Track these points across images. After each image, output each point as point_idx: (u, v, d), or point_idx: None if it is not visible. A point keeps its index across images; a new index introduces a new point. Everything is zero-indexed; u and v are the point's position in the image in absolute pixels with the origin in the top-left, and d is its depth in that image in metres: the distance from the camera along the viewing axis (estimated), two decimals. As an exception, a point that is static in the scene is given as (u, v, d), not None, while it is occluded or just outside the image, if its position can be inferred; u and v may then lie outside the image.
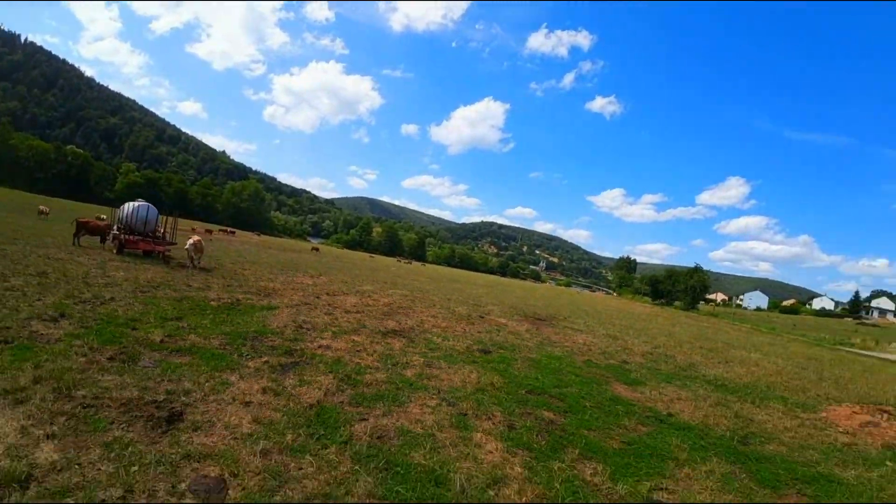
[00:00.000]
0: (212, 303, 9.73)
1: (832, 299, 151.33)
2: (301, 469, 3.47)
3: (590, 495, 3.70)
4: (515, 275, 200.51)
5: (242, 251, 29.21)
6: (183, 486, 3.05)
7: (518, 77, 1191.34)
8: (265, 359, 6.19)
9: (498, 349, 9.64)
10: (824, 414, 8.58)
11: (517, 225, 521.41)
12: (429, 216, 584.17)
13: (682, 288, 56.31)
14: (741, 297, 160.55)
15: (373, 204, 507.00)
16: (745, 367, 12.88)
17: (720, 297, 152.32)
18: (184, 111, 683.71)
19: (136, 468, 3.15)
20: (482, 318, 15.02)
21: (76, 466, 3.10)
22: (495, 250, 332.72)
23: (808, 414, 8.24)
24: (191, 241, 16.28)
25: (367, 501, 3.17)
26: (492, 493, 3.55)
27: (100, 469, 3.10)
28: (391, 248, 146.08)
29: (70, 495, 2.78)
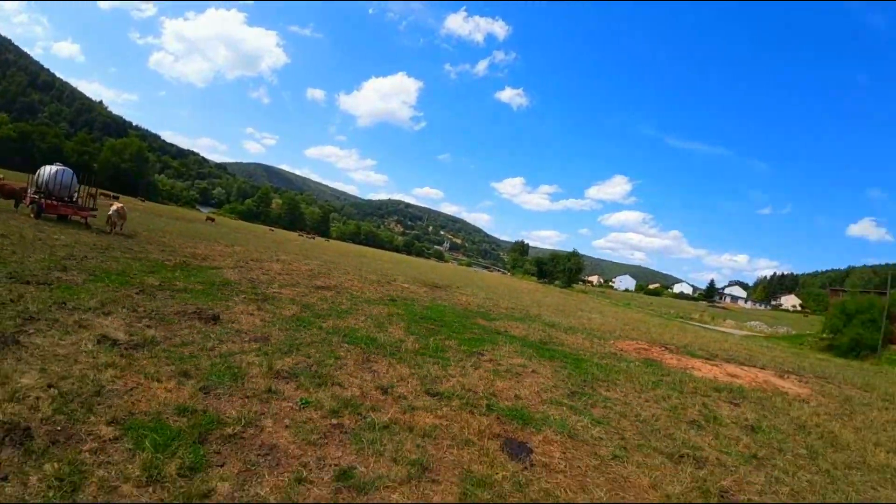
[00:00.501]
0: (166, 262, 11.81)
1: (691, 285, 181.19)
2: (302, 335, 6.65)
3: (446, 348, 7.43)
4: (420, 253, 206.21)
5: (139, 220, 28.88)
6: (247, 338, 6.07)
7: (433, 56, 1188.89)
8: (242, 297, 8.96)
9: (402, 300, 13.17)
10: (612, 341, 13.39)
11: (424, 205, 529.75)
12: (333, 190, 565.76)
13: (562, 269, 65.75)
14: (613, 280, 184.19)
15: (270, 172, 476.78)
16: (579, 320, 18.01)
17: (597, 279, 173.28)
18: (59, 53, 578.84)
19: (213, 335, 6.04)
20: (390, 283, 18.43)
21: (176, 337, 5.88)
22: (401, 229, 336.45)
23: (600, 340, 12.94)
24: (114, 207, 17.19)
25: (342, 343, 6.52)
26: (399, 346, 7.06)
27: (193, 337, 5.93)
28: (292, 221, 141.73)
29: (185, 349, 5.59)
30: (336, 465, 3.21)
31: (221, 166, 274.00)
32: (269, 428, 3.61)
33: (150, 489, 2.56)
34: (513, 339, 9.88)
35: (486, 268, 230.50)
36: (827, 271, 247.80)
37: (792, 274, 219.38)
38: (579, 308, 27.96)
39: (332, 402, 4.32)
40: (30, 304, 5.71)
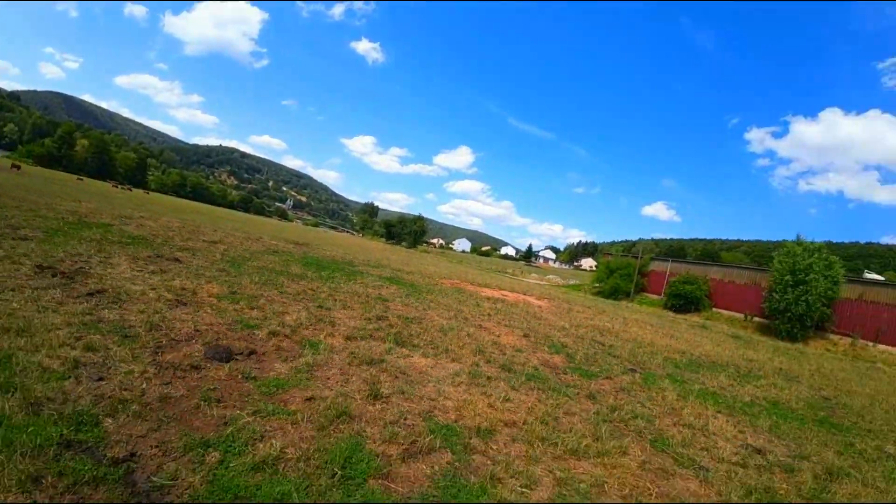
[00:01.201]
0: (69, 218, 13.22)
1: (515, 248, 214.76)
2: (246, 268, 10.32)
3: (334, 277, 11.88)
4: (261, 211, 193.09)
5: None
6: (214, 269, 9.56)
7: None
8: (180, 248, 11.76)
9: (280, 252, 16.75)
10: (438, 280, 19.26)
11: (264, 156, 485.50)
12: (149, 129, 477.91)
13: (409, 231, 72.85)
14: (453, 242, 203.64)
15: (70, 103, 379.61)
16: (418, 268, 23.67)
17: (439, 241, 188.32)
18: None
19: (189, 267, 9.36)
20: (258, 240, 21.27)
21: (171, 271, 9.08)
22: (235, 182, 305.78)
23: (430, 278, 18.58)
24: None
25: (269, 273, 10.43)
26: (305, 275, 11.23)
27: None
28: (101, 168, 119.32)
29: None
30: (299, 311, 7.57)
31: (14, 96, 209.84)
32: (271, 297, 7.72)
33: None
34: (372, 275, 14.68)
35: (333, 228, 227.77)
36: (621, 241, 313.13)
37: (593, 242, 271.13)
38: (420, 262, 34.13)
39: (296, 289, 8.53)
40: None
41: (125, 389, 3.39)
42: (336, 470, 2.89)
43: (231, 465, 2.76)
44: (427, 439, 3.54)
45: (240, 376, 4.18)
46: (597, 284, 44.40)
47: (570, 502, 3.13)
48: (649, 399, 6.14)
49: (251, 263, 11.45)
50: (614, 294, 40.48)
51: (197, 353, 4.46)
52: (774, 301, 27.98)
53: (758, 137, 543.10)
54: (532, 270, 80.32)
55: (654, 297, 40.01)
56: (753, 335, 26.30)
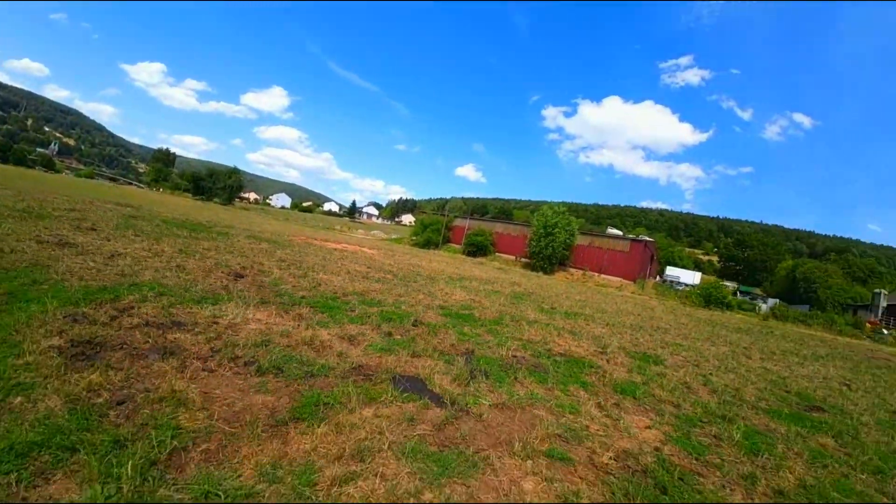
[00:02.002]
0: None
1: (338, 204, 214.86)
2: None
3: (176, 234, 15.00)
4: (22, 161, 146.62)
5: None
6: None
7: None
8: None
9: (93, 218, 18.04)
10: (288, 236, 22.76)
11: (21, 86, 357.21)
12: None
13: (222, 186, 68.13)
14: (270, 197, 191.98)
15: None
16: (261, 227, 26.31)
17: (253, 196, 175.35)
18: None
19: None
20: (92, 202, 21.03)
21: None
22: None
23: (281, 236, 22.00)
24: None
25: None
26: (161, 222, 14.13)
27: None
28: None
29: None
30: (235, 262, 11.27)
31: None
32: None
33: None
34: (239, 237, 17.70)
35: (113, 180, 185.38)
36: (437, 198, 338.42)
37: (413, 199, 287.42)
38: (249, 220, 35.68)
39: (189, 229, 11.86)
40: None
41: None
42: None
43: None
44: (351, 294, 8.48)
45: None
46: (413, 237, 52.13)
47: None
48: (432, 285, 12.08)
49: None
50: (427, 245, 48.72)
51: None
52: (533, 247, 39.51)
53: (552, 115, 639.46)
54: (358, 226, 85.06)
55: (457, 246, 49.64)
56: (517, 268, 37.06)
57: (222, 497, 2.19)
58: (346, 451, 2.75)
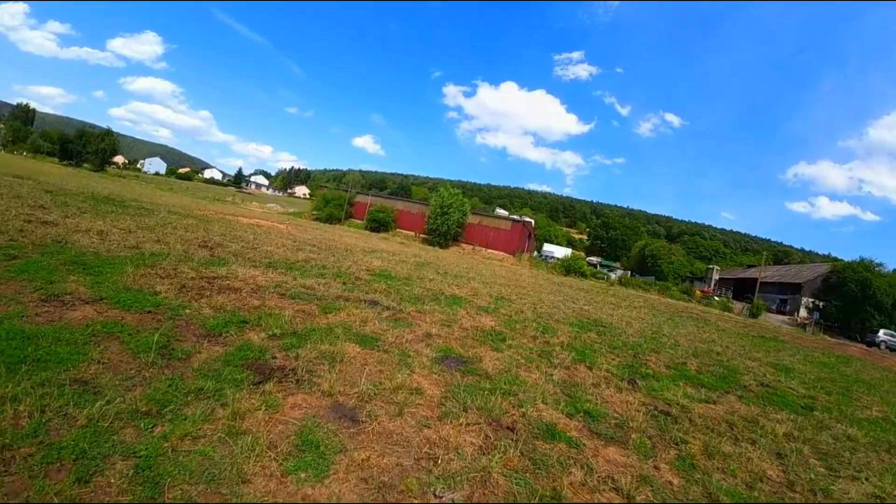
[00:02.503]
0: None
1: (221, 171, 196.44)
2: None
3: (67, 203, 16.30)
4: None
5: None
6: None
7: None
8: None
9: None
10: (200, 211, 23.63)
11: None
12: None
13: (94, 150, 60.46)
14: (142, 161, 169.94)
15: None
16: (162, 200, 26.38)
17: (121, 159, 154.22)
18: None
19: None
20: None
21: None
22: None
23: (191, 210, 22.88)
24: None
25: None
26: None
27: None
28: None
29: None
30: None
31: None
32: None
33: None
34: (158, 213, 18.73)
35: None
36: (333, 170, 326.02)
37: (306, 169, 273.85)
38: (137, 191, 34.37)
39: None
40: None
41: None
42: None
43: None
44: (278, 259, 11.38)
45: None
46: (315, 212, 53.21)
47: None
48: (353, 256, 15.25)
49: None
50: (329, 220, 50.34)
51: None
52: (430, 224, 43.82)
53: (452, 93, 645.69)
54: (252, 198, 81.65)
55: (359, 222, 52.03)
56: (417, 243, 41.13)
57: (318, 329, 5.55)
58: (356, 321, 6.22)
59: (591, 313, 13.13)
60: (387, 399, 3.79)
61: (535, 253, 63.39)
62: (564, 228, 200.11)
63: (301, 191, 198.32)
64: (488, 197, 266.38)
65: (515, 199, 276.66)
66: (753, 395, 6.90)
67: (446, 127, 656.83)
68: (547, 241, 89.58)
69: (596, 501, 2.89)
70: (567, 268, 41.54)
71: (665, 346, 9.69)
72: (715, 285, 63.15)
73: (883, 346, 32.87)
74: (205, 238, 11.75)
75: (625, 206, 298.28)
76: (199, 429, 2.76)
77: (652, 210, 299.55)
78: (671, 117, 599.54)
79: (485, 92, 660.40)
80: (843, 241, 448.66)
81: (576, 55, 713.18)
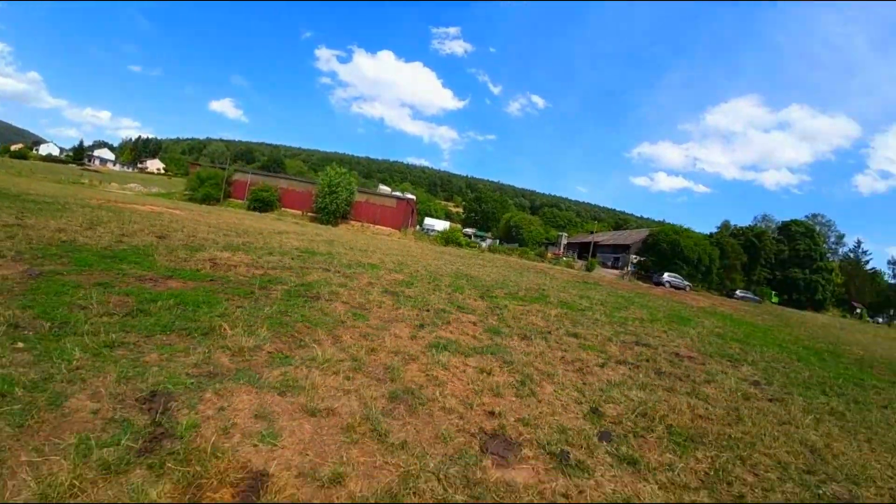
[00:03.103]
0: None
1: (58, 146, 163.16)
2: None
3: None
4: None
5: None
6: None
7: None
8: None
9: None
10: (88, 200, 23.25)
11: None
12: None
13: None
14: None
15: None
16: (28, 189, 24.89)
17: None
18: None
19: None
20: None
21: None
22: None
23: (77, 199, 22.56)
24: None
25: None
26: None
27: None
28: None
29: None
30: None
31: None
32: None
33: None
34: (65, 206, 18.88)
35: None
36: (188, 139, 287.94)
37: (156, 138, 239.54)
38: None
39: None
40: None
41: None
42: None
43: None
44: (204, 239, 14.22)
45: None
46: (190, 192, 50.88)
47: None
48: (271, 238, 18.14)
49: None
50: (207, 200, 48.86)
51: None
52: (319, 203, 45.95)
53: (325, 56, 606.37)
54: (101, 177, 72.17)
55: (239, 201, 51.39)
56: (308, 222, 43.16)
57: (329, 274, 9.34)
58: (327, 277, 10.09)
59: (464, 271, 18.32)
60: (373, 305, 7.99)
61: (418, 227, 68.78)
62: (443, 202, 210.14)
63: (154, 165, 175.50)
64: (367, 171, 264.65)
65: (395, 173, 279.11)
66: (551, 304, 12.49)
67: (319, 93, 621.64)
68: (427, 216, 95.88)
69: (456, 331, 7.55)
70: (446, 239, 47.58)
71: (508, 286, 15.16)
72: (564, 249, 75.72)
73: (668, 286, 45.30)
74: (157, 231, 13.95)
75: (496, 180, 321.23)
76: (307, 312, 6.69)
77: (519, 185, 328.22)
78: (537, 99, 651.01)
79: (361, 59, 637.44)
80: (677, 210, 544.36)
81: (452, 30, 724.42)
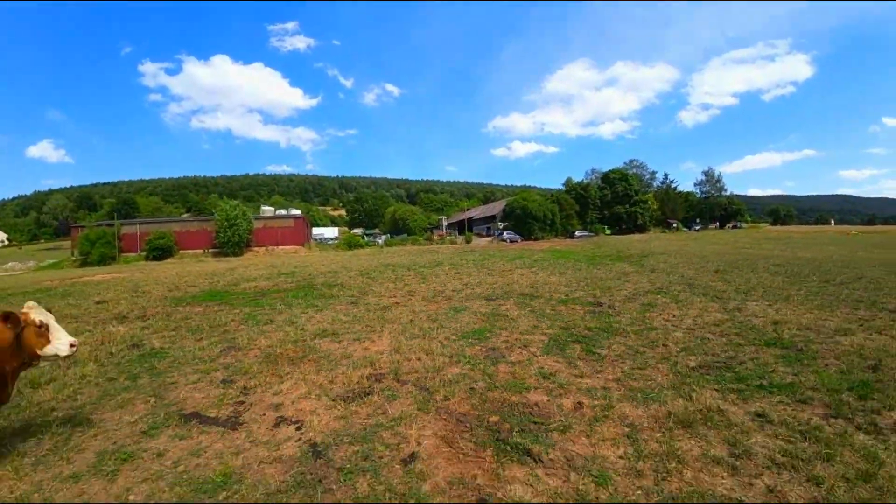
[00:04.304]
0: None
1: None
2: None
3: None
4: None
5: None
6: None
7: None
8: None
9: None
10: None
11: None
12: None
13: None
14: None
15: None
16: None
17: None
18: None
19: None
20: None
21: None
22: None
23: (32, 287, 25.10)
24: None
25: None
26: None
27: None
28: None
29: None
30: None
31: None
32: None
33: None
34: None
35: None
36: (14, 198, 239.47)
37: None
38: None
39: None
40: None
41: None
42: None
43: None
44: None
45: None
46: (80, 256, 49.56)
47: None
48: (210, 279, 23.95)
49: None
50: (102, 261, 48.48)
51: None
52: (221, 237, 49.21)
53: (151, 71, 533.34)
54: (22, 256, 62.89)
55: (133, 254, 51.65)
56: (212, 259, 46.50)
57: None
58: (328, 284, 17.40)
59: (383, 261, 26.32)
60: (378, 289, 15.74)
61: (312, 239, 73.58)
62: (320, 208, 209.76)
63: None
64: (227, 190, 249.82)
65: (261, 187, 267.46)
66: (445, 266, 21.20)
67: (149, 112, 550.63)
68: (313, 226, 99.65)
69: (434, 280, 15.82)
70: (349, 244, 54.27)
71: (423, 263, 23.57)
72: (445, 229, 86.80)
73: (508, 241, 58.42)
74: (173, 283, 19.46)
75: (368, 175, 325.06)
76: (355, 300, 14.26)
77: (392, 175, 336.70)
78: (391, 87, 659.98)
79: (193, 68, 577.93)
80: (535, 173, 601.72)
81: (290, 26, 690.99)
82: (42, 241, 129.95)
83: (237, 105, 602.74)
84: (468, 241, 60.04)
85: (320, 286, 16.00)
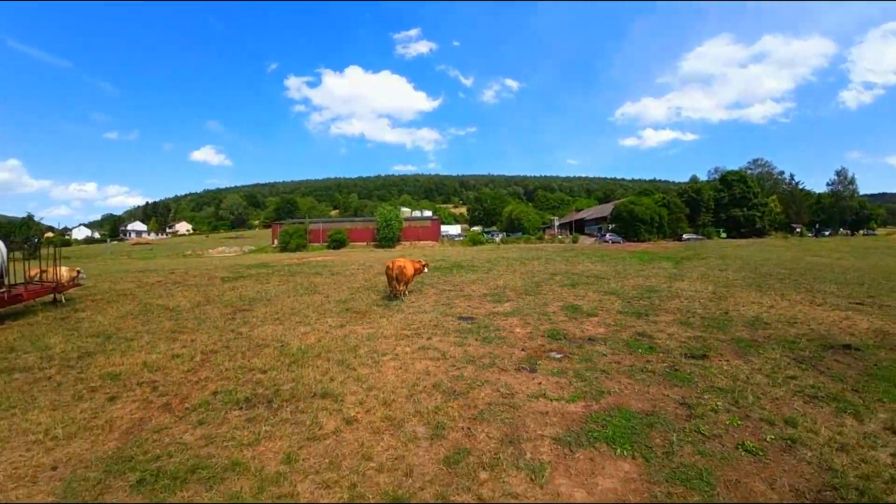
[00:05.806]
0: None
1: (87, 225, 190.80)
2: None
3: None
4: None
5: None
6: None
7: None
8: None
9: None
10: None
11: None
12: None
13: None
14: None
15: None
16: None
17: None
18: None
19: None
20: None
21: None
22: None
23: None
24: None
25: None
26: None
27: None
28: None
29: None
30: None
31: None
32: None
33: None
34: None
35: None
36: (189, 194, 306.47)
37: (164, 201, 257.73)
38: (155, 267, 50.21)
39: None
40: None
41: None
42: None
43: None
44: None
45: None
46: (281, 245, 70.45)
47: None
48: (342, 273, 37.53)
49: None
50: (297, 248, 68.20)
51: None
52: (381, 234, 65.85)
53: (295, 85, 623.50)
54: (175, 246, 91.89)
55: (317, 244, 71.03)
56: (374, 249, 62.88)
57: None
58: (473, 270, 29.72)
59: (500, 255, 37.84)
60: (496, 269, 27.59)
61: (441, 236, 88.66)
62: (442, 206, 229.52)
63: (183, 227, 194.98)
64: (365, 191, 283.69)
65: (392, 187, 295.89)
66: (542, 260, 31.99)
67: (295, 122, 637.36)
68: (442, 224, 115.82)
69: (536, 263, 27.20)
70: (473, 241, 67.25)
71: (521, 256, 34.59)
72: (557, 228, 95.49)
73: (610, 242, 65.06)
74: (376, 261, 33.55)
75: (486, 173, 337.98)
76: (487, 270, 26.22)
77: (510, 172, 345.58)
78: (510, 82, 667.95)
79: (330, 79, 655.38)
80: (669, 163, 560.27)
81: (413, 32, 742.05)
82: (221, 231, 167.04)
83: (368, 111, 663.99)
84: (574, 241, 68.72)
85: (466, 266, 28.03)
